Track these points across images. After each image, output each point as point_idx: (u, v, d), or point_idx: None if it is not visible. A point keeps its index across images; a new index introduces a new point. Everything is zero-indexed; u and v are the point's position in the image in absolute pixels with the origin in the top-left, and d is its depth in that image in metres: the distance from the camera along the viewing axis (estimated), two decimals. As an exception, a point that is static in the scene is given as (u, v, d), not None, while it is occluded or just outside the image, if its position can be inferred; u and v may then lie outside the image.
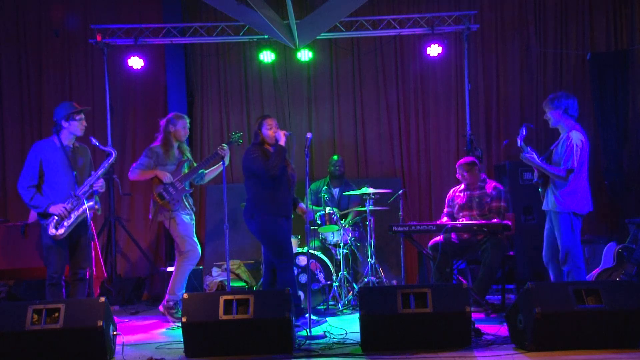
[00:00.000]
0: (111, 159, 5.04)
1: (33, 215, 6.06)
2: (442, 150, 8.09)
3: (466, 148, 7.33)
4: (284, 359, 4.11)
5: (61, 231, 4.77)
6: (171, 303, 5.62)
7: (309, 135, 5.10)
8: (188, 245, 5.63)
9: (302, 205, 5.59)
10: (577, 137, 4.89)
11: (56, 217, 4.78)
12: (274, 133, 5.27)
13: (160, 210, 5.63)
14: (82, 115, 4.97)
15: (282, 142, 5.19)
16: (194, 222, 5.79)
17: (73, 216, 4.82)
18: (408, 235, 5.86)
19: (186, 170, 5.76)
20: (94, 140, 5.01)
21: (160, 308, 5.74)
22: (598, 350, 4.04)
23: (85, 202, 4.82)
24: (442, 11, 7.70)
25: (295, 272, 6.07)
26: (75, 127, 4.94)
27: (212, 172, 5.92)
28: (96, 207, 4.93)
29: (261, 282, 6.56)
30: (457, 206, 6.19)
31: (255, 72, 8.28)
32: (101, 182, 4.97)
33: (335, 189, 7.12)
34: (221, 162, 5.66)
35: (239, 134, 6.00)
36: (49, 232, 4.77)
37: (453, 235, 5.94)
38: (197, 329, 4.18)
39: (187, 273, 5.66)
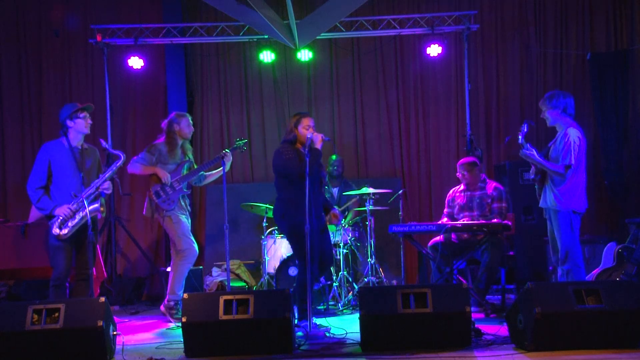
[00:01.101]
0: (119, 162, 4.99)
1: (33, 215, 6.05)
2: (442, 150, 8.09)
3: (466, 148, 7.33)
4: (284, 359, 4.11)
5: (65, 231, 4.77)
6: (172, 303, 5.62)
7: (309, 135, 5.04)
8: (185, 244, 5.62)
9: (336, 210, 5.44)
10: (574, 134, 4.90)
11: (61, 217, 4.78)
12: (310, 134, 5.10)
13: (156, 209, 5.63)
14: (86, 113, 4.98)
15: (318, 145, 5.03)
16: (189, 221, 5.78)
17: (78, 217, 4.81)
18: (408, 236, 5.86)
19: (185, 172, 5.75)
20: (103, 143, 5.00)
21: (162, 308, 5.74)
22: (598, 350, 4.03)
23: (90, 203, 4.81)
24: (442, 11, 7.70)
25: (295, 272, 6.08)
26: (81, 125, 4.94)
27: (211, 175, 5.91)
28: (101, 209, 4.93)
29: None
30: (457, 207, 6.18)
31: (255, 72, 8.28)
32: (108, 184, 4.96)
33: (334, 189, 7.12)
34: (221, 167, 5.65)
35: (243, 141, 5.96)
36: (53, 232, 4.77)
37: (453, 235, 5.94)
38: (197, 329, 4.17)
39: (185, 272, 5.65)
